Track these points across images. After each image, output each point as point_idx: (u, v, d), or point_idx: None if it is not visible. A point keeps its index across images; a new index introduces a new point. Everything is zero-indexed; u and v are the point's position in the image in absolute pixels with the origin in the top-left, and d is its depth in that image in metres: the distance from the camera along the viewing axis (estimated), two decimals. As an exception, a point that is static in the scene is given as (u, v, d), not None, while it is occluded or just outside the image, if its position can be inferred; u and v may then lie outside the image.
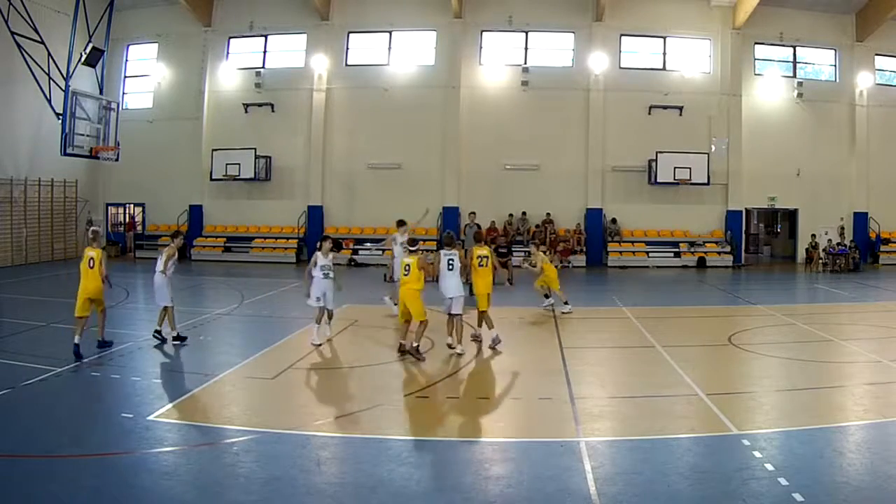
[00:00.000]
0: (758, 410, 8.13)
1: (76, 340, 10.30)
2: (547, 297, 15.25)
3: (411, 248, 10.93)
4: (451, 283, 11.03)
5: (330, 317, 11.60)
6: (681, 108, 26.33)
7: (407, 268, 10.49)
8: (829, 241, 25.57)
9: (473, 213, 20.82)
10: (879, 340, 12.28)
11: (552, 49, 27.08)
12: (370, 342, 12.06)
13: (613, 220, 26.57)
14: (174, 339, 11.33)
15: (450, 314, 11.06)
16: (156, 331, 11.41)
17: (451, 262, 11.07)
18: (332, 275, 11.29)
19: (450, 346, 10.98)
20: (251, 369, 9.83)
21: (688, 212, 26.64)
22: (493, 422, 7.79)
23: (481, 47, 27.07)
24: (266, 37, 27.75)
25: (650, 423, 7.60)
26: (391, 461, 6.57)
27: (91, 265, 10.54)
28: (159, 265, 11.41)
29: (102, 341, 10.78)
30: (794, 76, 27.03)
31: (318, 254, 11.29)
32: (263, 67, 27.49)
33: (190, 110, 27.51)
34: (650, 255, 26.28)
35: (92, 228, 12.46)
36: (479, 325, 11.69)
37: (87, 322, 10.55)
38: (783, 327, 13.63)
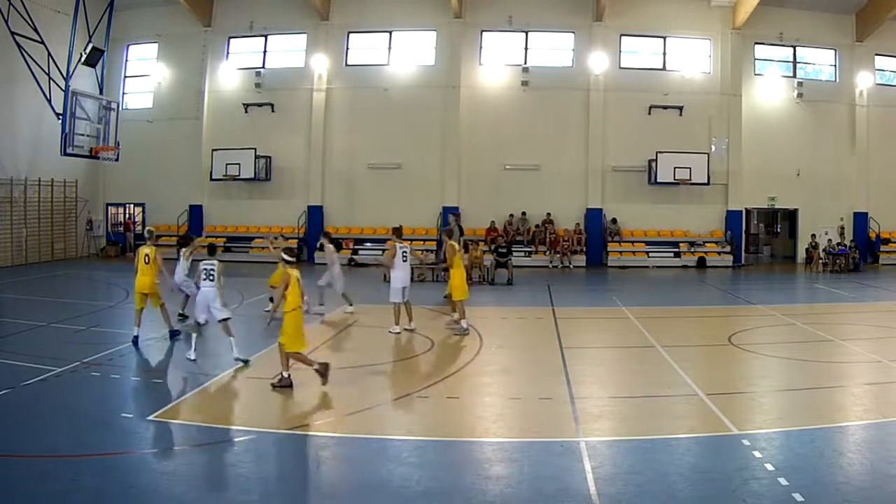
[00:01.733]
0: (758, 410, 8.13)
1: (135, 332, 11.17)
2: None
3: (288, 259, 9.13)
4: (407, 274, 12.43)
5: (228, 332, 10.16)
6: (681, 108, 26.30)
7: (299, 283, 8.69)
8: (829, 241, 25.53)
9: (458, 215, 21.04)
10: (879, 340, 12.27)
11: (552, 49, 27.04)
12: (370, 342, 12.07)
13: (613, 220, 26.54)
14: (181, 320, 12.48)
15: (404, 302, 12.32)
16: (180, 314, 12.78)
17: (405, 254, 12.33)
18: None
19: (409, 330, 12.28)
20: (251, 369, 9.82)
21: (688, 212, 26.60)
22: (493, 422, 7.78)
23: (481, 47, 27.03)
24: (266, 37, 27.71)
25: (650, 423, 7.60)
26: (391, 461, 6.58)
27: (147, 261, 11.49)
28: (183, 268, 13.00)
29: (172, 331, 11.63)
30: (794, 76, 26.98)
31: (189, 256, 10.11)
32: (263, 67, 27.44)
33: (190, 110, 27.47)
34: (650, 255, 26.24)
35: (147, 228, 13.65)
36: (461, 316, 12.63)
37: (143, 314, 11.38)
38: (783, 327, 13.62)
